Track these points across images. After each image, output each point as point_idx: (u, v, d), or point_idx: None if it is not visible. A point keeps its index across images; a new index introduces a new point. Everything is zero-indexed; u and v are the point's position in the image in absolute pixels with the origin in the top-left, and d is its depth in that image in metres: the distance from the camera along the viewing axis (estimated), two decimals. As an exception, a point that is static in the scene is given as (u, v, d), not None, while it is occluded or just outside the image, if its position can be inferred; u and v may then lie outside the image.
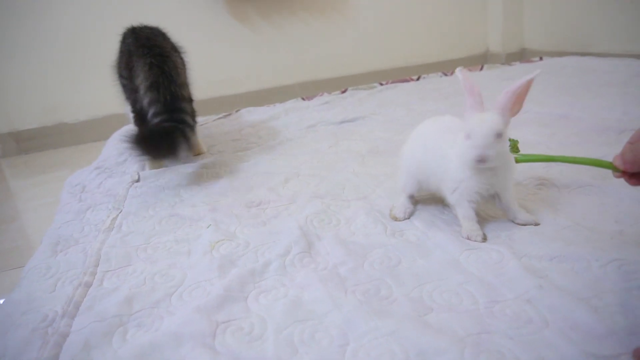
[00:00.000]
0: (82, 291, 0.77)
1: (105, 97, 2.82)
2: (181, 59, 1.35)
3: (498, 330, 0.56)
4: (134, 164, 1.57)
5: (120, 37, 1.44)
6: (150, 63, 1.21)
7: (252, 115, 2.09)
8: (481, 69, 2.40)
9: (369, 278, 0.70)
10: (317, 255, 0.79)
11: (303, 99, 2.30)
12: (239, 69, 2.95)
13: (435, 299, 0.63)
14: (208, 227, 0.95)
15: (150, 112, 1.23)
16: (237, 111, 2.22)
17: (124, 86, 1.35)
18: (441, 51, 3.10)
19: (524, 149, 1.00)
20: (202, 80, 3.04)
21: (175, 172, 1.38)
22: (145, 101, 1.22)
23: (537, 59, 2.45)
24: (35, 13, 2.60)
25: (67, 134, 2.84)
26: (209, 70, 2.94)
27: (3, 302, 0.78)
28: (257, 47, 2.93)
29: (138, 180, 1.36)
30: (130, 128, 2.06)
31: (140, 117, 1.33)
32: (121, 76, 1.35)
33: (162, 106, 1.21)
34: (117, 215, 1.10)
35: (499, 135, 0.73)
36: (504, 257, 0.70)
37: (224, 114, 2.17)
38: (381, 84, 2.33)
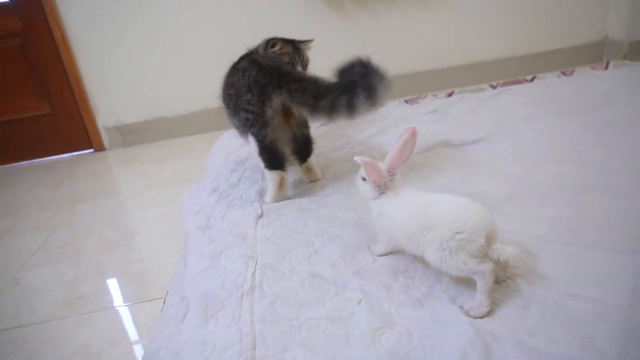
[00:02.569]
0: (249, 387, 0.75)
1: (200, 92, 2.85)
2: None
3: None
4: (249, 186, 1.55)
5: (233, 68, 1.41)
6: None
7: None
8: (606, 67, 2.14)
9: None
10: (498, 365, 0.72)
11: (406, 101, 2.18)
12: (329, 59, 2.84)
13: None
14: (359, 303, 0.90)
15: None
16: None
17: (248, 119, 1.32)
18: (551, 39, 2.82)
19: None
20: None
21: (296, 207, 1.34)
22: None
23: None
24: (138, 12, 2.62)
25: (166, 128, 2.90)
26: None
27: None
28: (350, 36, 2.80)
29: (262, 216, 1.33)
30: (225, 139, 2.06)
31: (269, 150, 1.33)
32: (246, 110, 1.31)
33: None
34: (255, 268, 1.07)
35: (362, 179, 1.02)
36: None
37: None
38: (492, 87, 2.16)
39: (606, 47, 2.79)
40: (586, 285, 0.85)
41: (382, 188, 0.99)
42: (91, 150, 2.87)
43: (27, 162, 2.84)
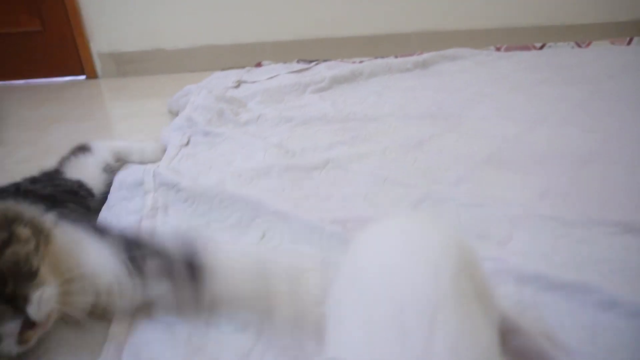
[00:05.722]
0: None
1: (204, 27, 2.65)
2: None
3: None
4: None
5: None
6: None
7: (331, 72, 1.68)
8: (629, 42, 1.90)
9: None
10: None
11: (396, 57, 1.94)
12: (345, 5, 2.58)
13: None
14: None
15: None
16: (316, 64, 1.90)
17: None
18: (572, 12, 2.54)
19: None
20: (296, 19, 2.75)
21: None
22: None
23: None
24: None
25: (165, 61, 2.72)
26: (306, 6, 2.62)
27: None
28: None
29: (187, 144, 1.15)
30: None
31: None
32: None
33: None
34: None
35: None
36: None
37: (300, 67, 1.85)
38: (497, 49, 1.93)
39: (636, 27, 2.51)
40: (570, 267, 0.64)
41: None
42: (83, 77, 2.71)
43: (12, 81, 2.69)
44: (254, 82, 1.64)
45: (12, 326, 0.47)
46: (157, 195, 0.89)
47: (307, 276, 0.55)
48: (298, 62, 1.92)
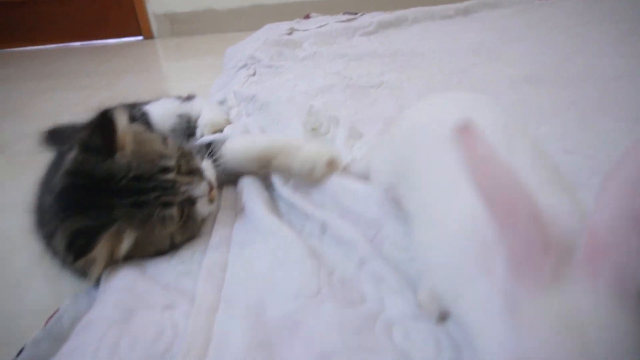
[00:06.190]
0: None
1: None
2: None
3: None
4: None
5: None
6: None
7: (377, 18, 1.79)
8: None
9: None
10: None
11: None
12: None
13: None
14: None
15: None
16: (362, 14, 1.99)
17: None
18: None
19: None
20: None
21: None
22: None
23: None
24: None
25: (215, 21, 2.88)
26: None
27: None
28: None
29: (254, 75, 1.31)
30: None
31: None
32: None
33: None
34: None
35: None
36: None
37: (347, 17, 1.92)
38: (539, -1, 1.97)
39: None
40: (590, 145, 0.75)
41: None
42: (140, 37, 2.90)
43: (76, 43, 2.89)
44: (305, 29, 1.76)
45: (204, 187, 0.63)
46: (240, 109, 1.05)
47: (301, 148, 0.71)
48: (344, 14, 2.02)
